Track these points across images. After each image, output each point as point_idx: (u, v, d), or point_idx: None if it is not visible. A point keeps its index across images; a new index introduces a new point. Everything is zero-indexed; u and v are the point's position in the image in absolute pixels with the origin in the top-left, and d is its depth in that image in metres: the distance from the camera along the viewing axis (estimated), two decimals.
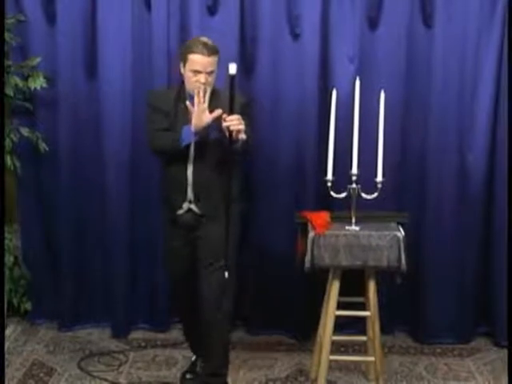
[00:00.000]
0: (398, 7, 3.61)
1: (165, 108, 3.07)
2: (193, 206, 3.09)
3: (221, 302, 3.06)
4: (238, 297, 3.81)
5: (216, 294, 3.06)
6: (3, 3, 3.43)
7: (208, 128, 2.97)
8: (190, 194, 3.08)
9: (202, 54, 2.94)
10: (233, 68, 2.82)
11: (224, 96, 2.97)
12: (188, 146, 3.02)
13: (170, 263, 3.30)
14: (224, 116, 2.90)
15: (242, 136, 2.91)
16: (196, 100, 2.93)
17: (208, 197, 3.07)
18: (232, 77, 2.84)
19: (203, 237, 3.11)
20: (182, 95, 3.07)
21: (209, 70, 2.96)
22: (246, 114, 3.00)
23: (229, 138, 2.90)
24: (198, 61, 2.95)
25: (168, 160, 3.11)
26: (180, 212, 3.11)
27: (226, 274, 2.99)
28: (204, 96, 2.93)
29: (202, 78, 2.95)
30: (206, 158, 3.03)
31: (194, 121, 2.94)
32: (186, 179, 3.06)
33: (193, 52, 2.96)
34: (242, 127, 2.89)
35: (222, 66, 2.96)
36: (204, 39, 3.01)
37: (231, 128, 2.87)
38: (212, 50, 2.97)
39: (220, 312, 3.07)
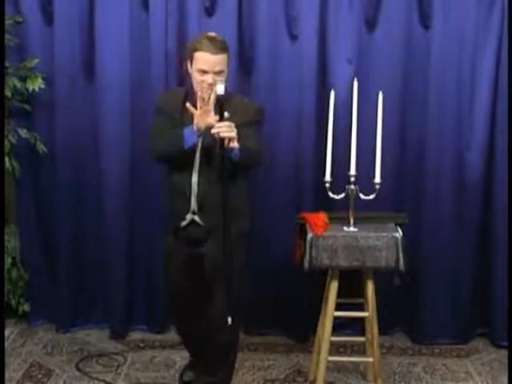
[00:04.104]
0: (395, 8, 3.62)
1: (171, 110, 2.90)
2: (196, 218, 2.90)
3: (227, 322, 2.79)
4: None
5: (223, 315, 2.79)
6: (3, 5, 3.43)
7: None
8: (193, 204, 2.87)
9: (209, 51, 2.73)
10: (221, 89, 2.63)
11: (237, 100, 2.82)
12: (194, 153, 2.83)
13: (172, 280, 3.09)
14: (213, 122, 2.66)
15: (235, 144, 2.66)
16: (199, 104, 2.73)
17: (213, 208, 2.80)
18: (218, 97, 2.65)
19: (208, 254, 2.91)
20: (189, 96, 2.87)
21: (217, 69, 2.75)
22: (257, 122, 2.87)
23: (220, 145, 2.66)
24: (205, 59, 2.73)
25: (172, 167, 2.91)
26: (183, 224, 2.92)
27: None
28: (209, 99, 2.71)
29: (209, 78, 2.74)
30: (213, 166, 2.79)
31: (195, 121, 2.71)
32: (190, 188, 2.84)
33: (198, 50, 2.76)
34: (233, 135, 2.64)
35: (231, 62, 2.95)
36: (212, 34, 2.80)
37: (221, 135, 2.63)
38: (220, 47, 2.76)
39: (226, 333, 2.89)
